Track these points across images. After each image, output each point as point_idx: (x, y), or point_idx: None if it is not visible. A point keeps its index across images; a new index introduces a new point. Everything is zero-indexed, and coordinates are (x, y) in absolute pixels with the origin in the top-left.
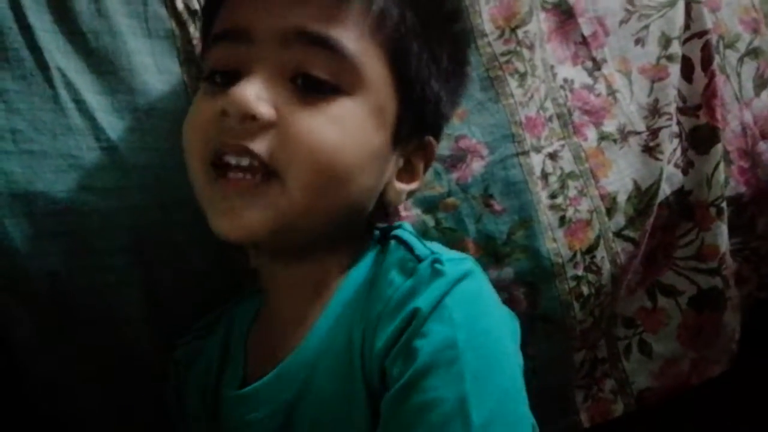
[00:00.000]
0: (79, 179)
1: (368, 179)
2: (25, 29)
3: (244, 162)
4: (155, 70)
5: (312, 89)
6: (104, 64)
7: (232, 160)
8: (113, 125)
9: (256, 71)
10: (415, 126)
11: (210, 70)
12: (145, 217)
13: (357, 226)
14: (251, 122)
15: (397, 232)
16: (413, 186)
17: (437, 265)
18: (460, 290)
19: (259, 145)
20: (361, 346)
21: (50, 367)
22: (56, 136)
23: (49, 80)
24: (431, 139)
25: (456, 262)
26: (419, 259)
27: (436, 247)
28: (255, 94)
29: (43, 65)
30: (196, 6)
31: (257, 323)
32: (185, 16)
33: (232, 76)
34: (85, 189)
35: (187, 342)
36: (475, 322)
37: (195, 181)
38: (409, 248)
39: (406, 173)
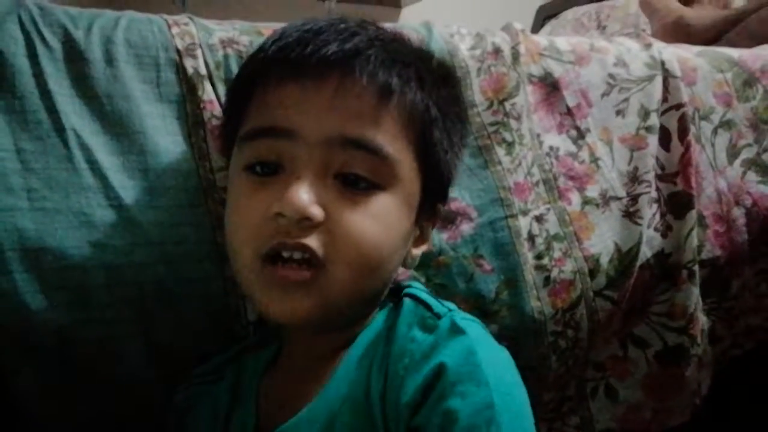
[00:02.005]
0: (89, 236)
1: (398, 259)
2: (45, 94)
3: (297, 255)
4: (165, 132)
5: (352, 184)
6: (117, 127)
7: (286, 254)
8: (124, 184)
9: (303, 172)
10: (432, 200)
11: (252, 161)
12: (150, 272)
13: (381, 296)
14: (304, 222)
15: (412, 291)
16: (424, 248)
17: (456, 321)
18: (486, 352)
19: (314, 242)
20: (381, 399)
21: (51, 415)
22: (69, 194)
23: (64, 141)
24: (440, 205)
25: (470, 321)
26: (438, 316)
27: (450, 305)
28: (308, 197)
29: (59, 127)
30: (204, 72)
31: (270, 373)
32: (194, 81)
33: (273, 166)
34: (94, 245)
35: (187, 387)
36: (505, 383)
37: (244, 268)
38: (427, 306)
39: (418, 238)
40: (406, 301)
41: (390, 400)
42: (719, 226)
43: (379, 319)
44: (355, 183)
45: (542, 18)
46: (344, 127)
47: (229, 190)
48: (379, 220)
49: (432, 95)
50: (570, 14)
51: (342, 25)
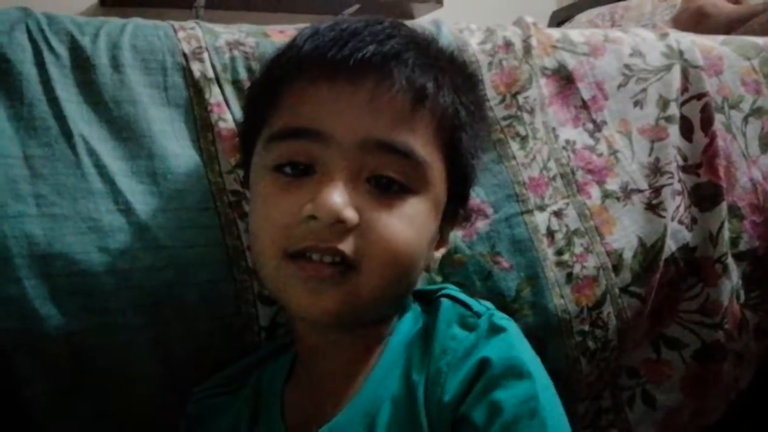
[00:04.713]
0: (98, 241)
1: (424, 261)
2: (53, 100)
3: (328, 259)
4: (173, 136)
5: (384, 187)
6: (125, 131)
7: (316, 257)
8: (132, 189)
9: (337, 174)
10: (455, 204)
11: (281, 162)
12: (159, 277)
13: (405, 298)
14: (338, 225)
15: (449, 291)
16: (443, 251)
17: (495, 320)
18: (525, 346)
19: (347, 246)
20: (424, 395)
21: (60, 421)
22: (77, 199)
23: (72, 147)
24: (461, 210)
25: (508, 320)
26: (478, 315)
27: (488, 304)
28: (342, 200)
29: (67, 133)
30: (212, 74)
31: (294, 381)
32: (201, 84)
33: (303, 167)
34: (102, 250)
35: (200, 398)
36: (544, 377)
37: (268, 265)
38: (465, 306)
39: (438, 241)
40: (444, 301)
41: (432, 397)
42: (756, 216)
43: (407, 321)
44: (388, 186)
45: (556, 24)
46: (379, 131)
47: (252, 189)
48: (412, 224)
49: (462, 99)
50: (584, 17)
51: (378, 26)
